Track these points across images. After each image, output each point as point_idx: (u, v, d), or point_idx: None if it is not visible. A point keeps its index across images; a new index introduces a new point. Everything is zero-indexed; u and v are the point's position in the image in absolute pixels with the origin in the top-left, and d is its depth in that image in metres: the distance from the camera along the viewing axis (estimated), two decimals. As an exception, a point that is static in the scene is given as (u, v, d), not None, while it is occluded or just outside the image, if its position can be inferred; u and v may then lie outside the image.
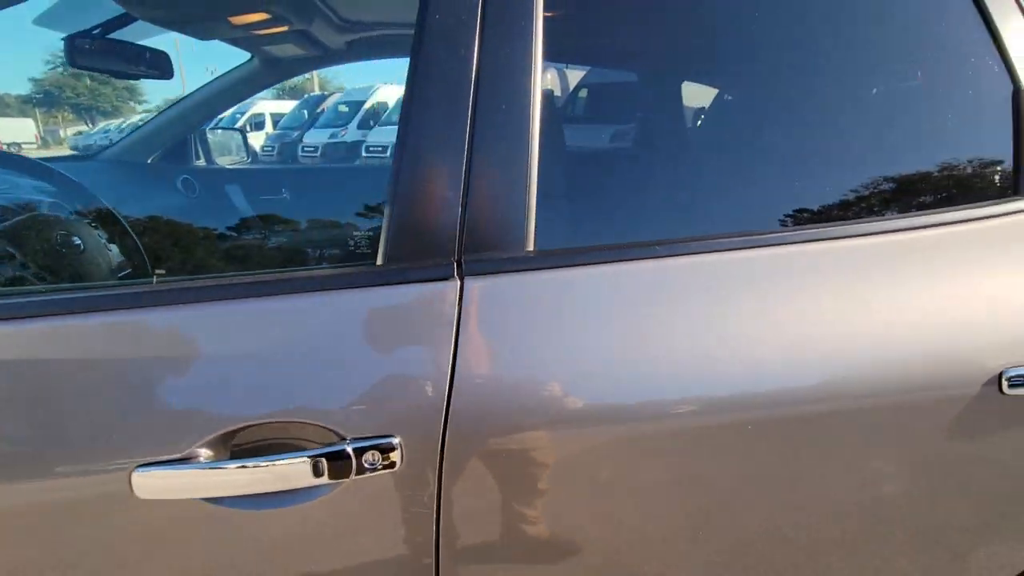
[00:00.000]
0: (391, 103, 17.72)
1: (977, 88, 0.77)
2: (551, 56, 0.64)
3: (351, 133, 16.90)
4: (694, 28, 0.75)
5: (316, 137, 17.38)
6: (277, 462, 0.53)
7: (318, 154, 16.86)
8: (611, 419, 0.60)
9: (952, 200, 0.76)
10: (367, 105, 16.96)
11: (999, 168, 0.77)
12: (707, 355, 0.62)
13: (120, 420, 0.53)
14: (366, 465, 0.54)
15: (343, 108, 18.47)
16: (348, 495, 0.55)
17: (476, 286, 0.59)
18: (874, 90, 0.81)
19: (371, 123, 17.58)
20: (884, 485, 0.68)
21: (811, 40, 0.76)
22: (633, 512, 0.64)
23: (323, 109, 19.98)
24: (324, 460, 0.53)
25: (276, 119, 24.52)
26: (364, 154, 14.99)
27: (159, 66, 1.28)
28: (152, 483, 0.52)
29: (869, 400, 0.64)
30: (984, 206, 0.73)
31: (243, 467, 0.52)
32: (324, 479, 0.53)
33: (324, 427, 0.54)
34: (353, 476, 0.54)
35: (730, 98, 0.77)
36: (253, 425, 0.54)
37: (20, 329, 0.55)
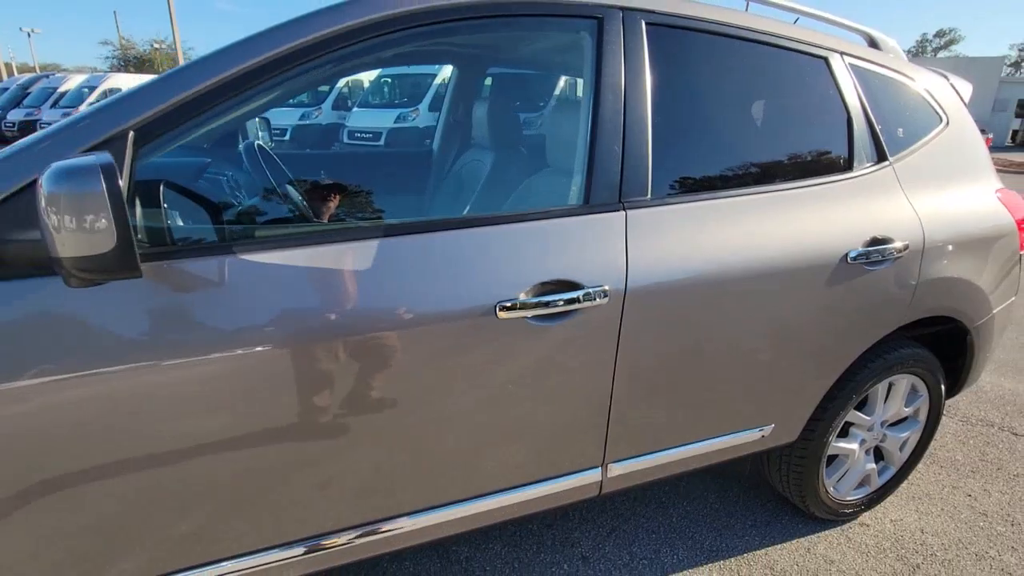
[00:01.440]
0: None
1: (829, 116, 1.52)
2: (654, 95, 1.25)
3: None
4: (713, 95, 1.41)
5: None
6: (555, 294, 1.09)
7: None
8: (681, 280, 1.24)
9: (818, 173, 1.50)
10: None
11: (841, 157, 1.53)
12: (719, 247, 1.28)
13: (492, 279, 1.06)
14: (596, 299, 1.12)
15: None
16: (585, 314, 1.13)
17: (630, 214, 1.19)
18: (766, 112, 1.53)
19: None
20: (783, 322, 1.40)
21: (746, 91, 1.45)
22: (689, 338, 1.29)
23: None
24: (583, 294, 1.11)
25: (137, 95, 21.56)
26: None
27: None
28: (505, 312, 1.06)
29: (781, 271, 1.34)
30: (832, 176, 1.48)
31: (523, 306, 1.08)
32: (584, 303, 1.11)
33: (576, 282, 1.12)
34: (593, 305, 1.12)
35: (722, 129, 1.44)
36: (546, 281, 1.10)
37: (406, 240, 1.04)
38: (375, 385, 1.03)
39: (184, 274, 0.91)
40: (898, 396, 1.81)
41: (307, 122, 12.16)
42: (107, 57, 46.84)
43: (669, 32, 1.28)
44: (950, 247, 1.60)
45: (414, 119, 10.96)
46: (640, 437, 1.35)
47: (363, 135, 10.73)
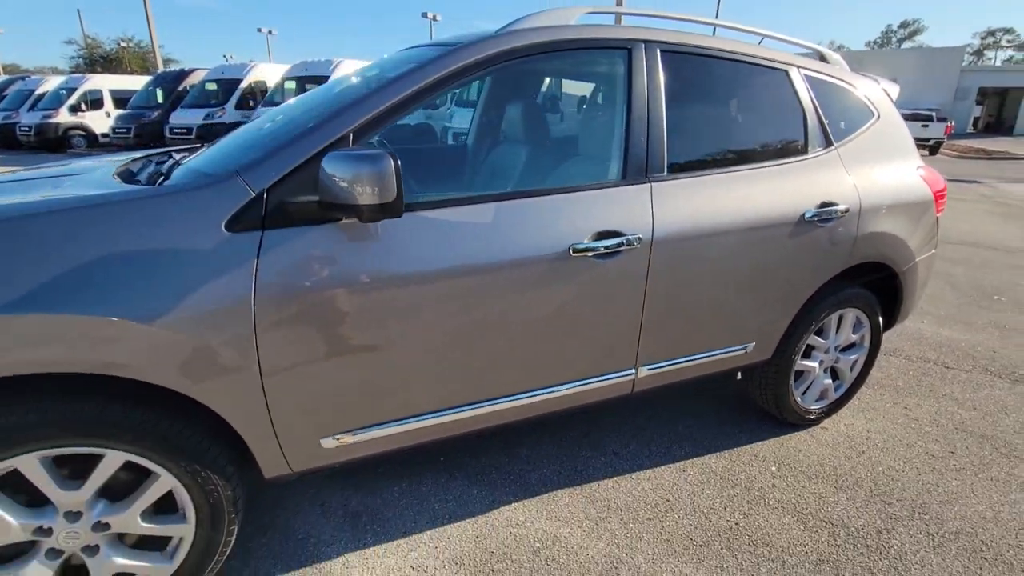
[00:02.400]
0: (270, 82, 16.72)
1: (790, 113, 2.06)
2: (667, 100, 1.77)
3: (229, 114, 15.70)
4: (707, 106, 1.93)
5: (186, 118, 15.89)
6: (605, 240, 1.61)
7: (192, 135, 15.42)
8: (689, 232, 1.77)
9: (782, 156, 2.04)
10: (243, 84, 15.87)
11: (799, 144, 2.08)
12: (714, 209, 1.81)
13: (566, 230, 1.57)
14: (634, 244, 1.65)
15: (211, 86, 16.97)
16: (626, 254, 1.65)
17: (654, 185, 1.72)
18: (739, 113, 2.07)
19: (251, 103, 16.44)
20: (760, 263, 1.94)
21: (731, 96, 1.99)
22: (696, 274, 1.82)
23: (185, 87, 18.06)
24: (624, 240, 1.62)
25: (117, 95, 21.67)
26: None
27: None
28: (575, 252, 1.57)
29: (750, 231, 1.88)
30: (793, 158, 2.03)
31: (586, 248, 1.59)
32: (625, 247, 1.63)
33: (620, 231, 1.63)
34: (630, 248, 1.64)
35: (714, 124, 1.97)
36: (600, 231, 1.61)
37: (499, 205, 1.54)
38: (500, 301, 1.53)
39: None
40: (847, 326, 2.37)
41: (300, 120, 12.43)
42: (72, 57, 45.62)
43: (677, 56, 1.81)
44: (879, 209, 2.16)
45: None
46: (661, 347, 1.87)
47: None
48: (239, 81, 14.40)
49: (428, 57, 1.49)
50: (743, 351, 2.08)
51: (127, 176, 1.59)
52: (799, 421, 2.43)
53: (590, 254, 1.60)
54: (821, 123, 2.11)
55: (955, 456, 2.31)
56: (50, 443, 1.17)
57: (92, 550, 1.31)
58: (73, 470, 1.25)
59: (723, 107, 1.98)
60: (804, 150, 2.07)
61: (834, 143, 2.13)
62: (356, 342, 1.38)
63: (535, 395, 1.70)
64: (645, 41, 1.75)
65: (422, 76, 1.44)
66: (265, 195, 1.27)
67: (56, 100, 17.87)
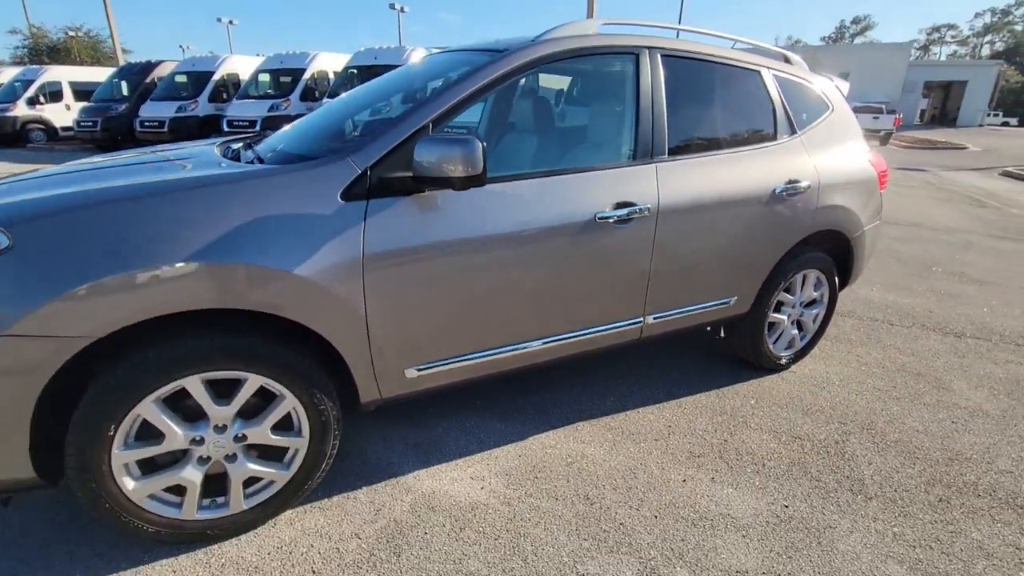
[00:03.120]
0: (243, 74, 16.51)
1: (763, 107, 2.50)
2: (667, 96, 2.17)
3: (202, 107, 15.54)
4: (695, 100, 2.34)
5: (158, 111, 15.63)
6: (622, 209, 2.00)
7: (164, 129, 15.26)
8: (686, 203, 2.18)
9: (757, 141, 2.48)
10: (216, 77, 15.69)
11: (770, 132, 2.51)
12: (706, 184, 2.23)
13: (592, 201, 1.95)
14: (644, 212, 2.04)
15: (181, 79, 16.67)
16: (638, 221, 2.05)
17: (658, 165, 2.12)
18: (729, 108, 2.49)
19: (224, 95, 16.26)
20: (741, 229, 2.37)
21: (716, 93, 2.41)
22: (692, 237, 2.23)
23: (153, 80, 17.66)
24: (637, 209, 2.02)
25: (78, 88, 21.10)
26: (226, 129, 13.97)
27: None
28: (600, 220, 1.96)
29: (733, 203, 2.31)
30: (763, 144, 2.47)
31: (607, 216, 1.98)
32: (637, 215, 2.03)
33: (633, 202, 2.03)
34: (641, 216, 2.04)
35: (704, 115, 2.38)
36: (618, 202, 2.00)
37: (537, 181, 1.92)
38: (546, 258, 1.90)
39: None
40: (810, 284, 2.84)
41: (277, 113, 12.45)
42: (16, 47, 43.29)
43: (674, 60, 2.21)
44: (834, 186, 2.62)
45: (388, 111, 11.49)
46: (664, 299, 2.28)
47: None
48: (211, 74, 14.23)
49: (482, 61, 1.84)
50: (727, 304, 2.52)
51: (231, 159, 1.89)
52: (771, 366, 2.89)
53: (611, 220, 1.99)
54: (787, 115, 2.55)
55: (896, 389, 2.81)
56: (211, 367, 1.49)
57: (232, 458, 1.63)
58: (215, 393, 1.58)
59: (710, 101, 2.39)
60: (774, 137, 2.51)
61: (798, 131, 2.58)
62: (435, 290, 1.74)
63: (570, 337, 2.09)
64: (649, 47, 2.14)
65: (481, 77, 1.80)
66: (368, 172, 1.61)
67: (11, 93, 17.26)
